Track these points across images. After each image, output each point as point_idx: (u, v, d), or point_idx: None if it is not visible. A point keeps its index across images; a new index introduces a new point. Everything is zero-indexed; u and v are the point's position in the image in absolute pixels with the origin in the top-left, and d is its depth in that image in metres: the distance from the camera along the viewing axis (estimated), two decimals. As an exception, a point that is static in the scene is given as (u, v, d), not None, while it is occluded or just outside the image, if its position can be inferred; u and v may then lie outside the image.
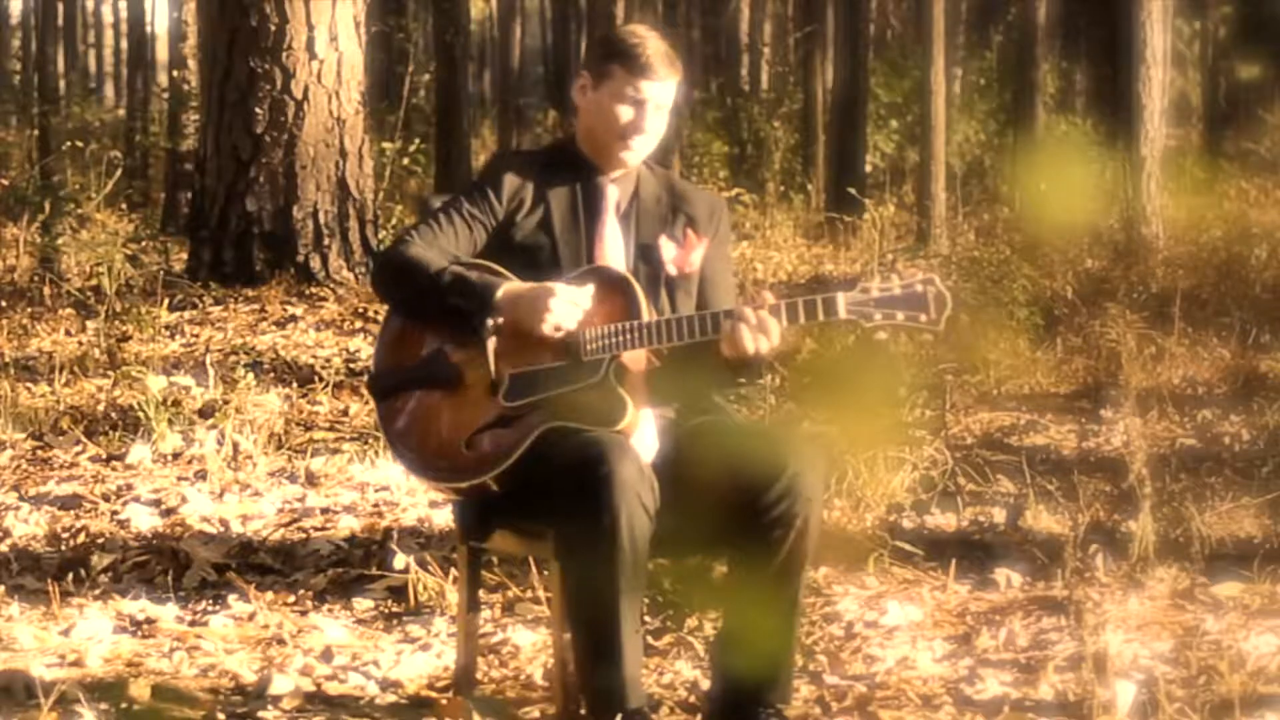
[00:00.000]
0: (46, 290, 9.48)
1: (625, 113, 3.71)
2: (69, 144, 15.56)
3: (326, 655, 4.33)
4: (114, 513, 5.56)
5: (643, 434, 3.63)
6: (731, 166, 19.33)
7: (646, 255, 3.78)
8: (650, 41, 3.72)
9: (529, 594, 4.69)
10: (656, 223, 3.81)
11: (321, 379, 7.37)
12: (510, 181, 3.77)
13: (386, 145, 13.72)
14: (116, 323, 8.58)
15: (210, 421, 6.54)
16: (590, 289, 3.61)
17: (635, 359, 3.65)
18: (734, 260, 3.90)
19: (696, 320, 3.61)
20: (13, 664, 4.22)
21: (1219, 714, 3.80)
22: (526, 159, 3.92)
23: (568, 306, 3.57)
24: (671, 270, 3.77)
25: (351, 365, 7.83)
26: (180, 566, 5.02)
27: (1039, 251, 9.36)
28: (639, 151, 3.77)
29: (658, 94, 3.72)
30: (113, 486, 5.86)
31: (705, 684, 3.97)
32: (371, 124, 10.59)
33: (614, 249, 3.77)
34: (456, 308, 3.63)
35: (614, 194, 3.80)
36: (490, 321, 3.60)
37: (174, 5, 17.89)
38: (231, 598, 4.78)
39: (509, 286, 3.61)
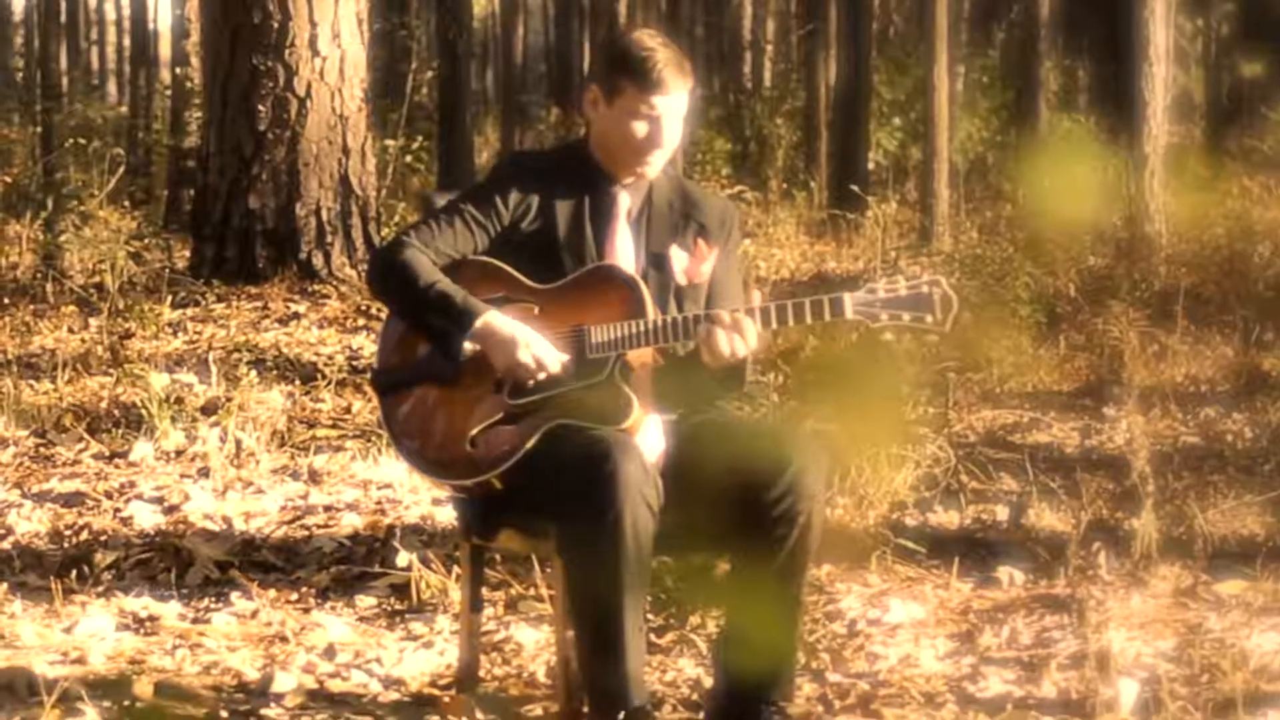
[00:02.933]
0: (49, 287, 9.48)
1: (641, 129, 3.68)
2: (72, 141, 15.52)
3: (329, 653, 4.33)
4: (117, 510, 5.56)
5: (649, 434, 3.63)
6: (734, 164, 19.31)
7: (657, 263, 3.76)
8: (659, 53, 3.67)
9: (532, 592, 4.69)
10: (668, 231, 3.79)
11: (324, 376, 7.37)
12: (517, 187, 3.75)
13: (389, 142, 13.72)
14: (119, 320, 8.59)
15: (213, 419, 6.54)
16: (565, 358, 3.60)
17: (641, 359, 3.65)
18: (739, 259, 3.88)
19: (693, 320, 3.61)
20: (15, 661, 4.22)
21: (1222, 712, 3.80)
22: (536, 163, 3.91)
23: (537, 362, 3.57)
24: (681, 280, 3.76)
25: (354, 362, 7.83)
26: (183, 564, 5.03)
27: (1042, 249, 9.34)
28: (657, 164, 3.76)
29: (672, 107, 3.69)
30: (115, 484, 5.86)
31: (708, 681, 3.97)
32: (374, 121, 10.58)
33: (625, 256, 3.76)
34: (435, 325, 3.63)
35: (625, 201, 3.78)
36: (467, 348, 3.61)
37: (177, 2, 17.88)
38: (234, 595, 4.79)
39: (488, 319, 3.60)
